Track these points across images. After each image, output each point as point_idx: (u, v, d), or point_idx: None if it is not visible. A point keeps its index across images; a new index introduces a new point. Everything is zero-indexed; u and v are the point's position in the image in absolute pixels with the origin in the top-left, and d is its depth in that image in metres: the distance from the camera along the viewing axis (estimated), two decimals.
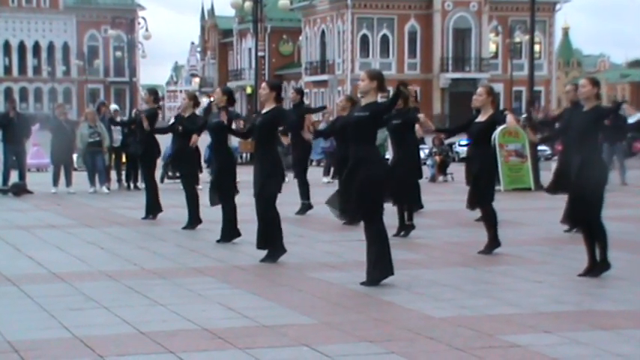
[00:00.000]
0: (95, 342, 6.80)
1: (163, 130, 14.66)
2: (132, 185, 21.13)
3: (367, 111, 8.94)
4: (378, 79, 9.01)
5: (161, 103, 17.43)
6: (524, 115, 28.34)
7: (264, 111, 10.73)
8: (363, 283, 9.03)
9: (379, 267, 9.03)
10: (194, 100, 13.94)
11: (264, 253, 10.63)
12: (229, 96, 12.21)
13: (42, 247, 11.94)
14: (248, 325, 7.41)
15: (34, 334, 7.13)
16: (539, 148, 21.34)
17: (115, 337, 7.03)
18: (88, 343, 6.78)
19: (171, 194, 16.50)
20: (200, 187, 19.43)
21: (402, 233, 12.71)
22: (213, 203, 12.23)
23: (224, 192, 12.00)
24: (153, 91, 15.72)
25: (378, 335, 7.06)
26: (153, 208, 14.77)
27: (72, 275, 9.68)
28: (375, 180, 8.91)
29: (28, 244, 12.16)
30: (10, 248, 11.81)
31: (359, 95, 9.30)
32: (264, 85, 10.84)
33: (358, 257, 9.22)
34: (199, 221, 13.51)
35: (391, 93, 9.04)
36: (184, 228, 13.43)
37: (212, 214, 12.78)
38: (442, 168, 24.07)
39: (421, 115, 12.22)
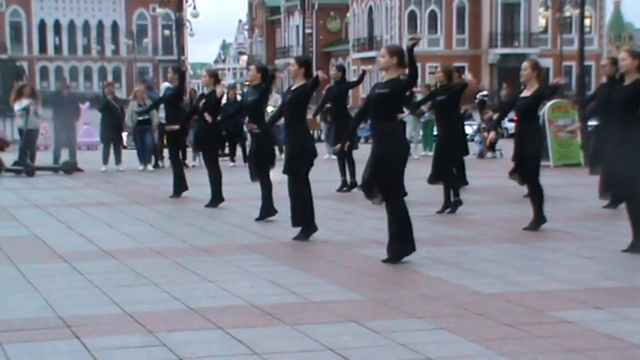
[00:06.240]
0: (145, 318, 6.87)
1: (189, 115, 14.97)
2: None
3: (387, 88, 8.86)
4: (398, 55, 8.89)
5: (191, 82, 17.35)
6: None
7: (293, 87, 10.69)
8: (384, 261, 9.01)
9: (398, 244, 9.00)
10: (215, 78, 14.02)
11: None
12: (264, 73, 12.20)
13: (92, 224, 12.07)
14: (296, 302, 7.44)
15: (85, 310, 7.22)
16: (590, 123, 21.10)
17: (165, 313, 7.09)
18: (138, 319, 6.85)
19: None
20: (232, 164, 19.61)
21: (449, 210, 12.67)
22: (253, 179, 12.24)
23: (260, 169, 12.00)
24: (178, 70, 15.61)
25: (427, 311, 7.05)
26: (178, 186, 14.90)
27: (122, 252, 9.77)
28: (393, 155, 8.84)
29: (79, 221, 12.29)
30: (61, 226, 11.94)
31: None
32: (292, 61, 10.79)
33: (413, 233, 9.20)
34: (222, 199, 13.60)
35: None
36: (207, 206, 13.51)
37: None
38: (490, 144, 23.89)
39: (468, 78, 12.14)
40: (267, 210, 12.06)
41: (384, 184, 8.89)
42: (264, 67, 12.66)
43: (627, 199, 9.61)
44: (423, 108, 18.32)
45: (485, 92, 30.91)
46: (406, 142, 9.28)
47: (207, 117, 13.48)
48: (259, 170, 11.98)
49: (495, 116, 23.54)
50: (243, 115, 14.78)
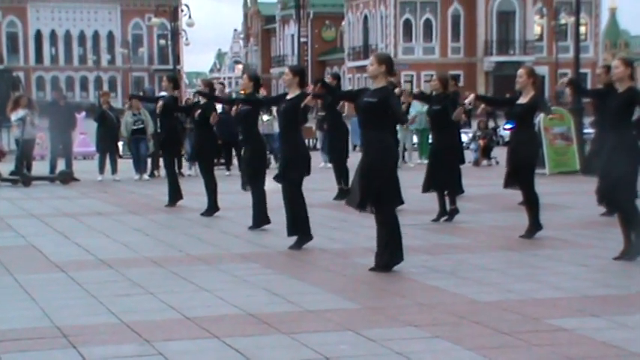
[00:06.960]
0: (142, 327, 6.86)
1: (181, 109, 15.72)
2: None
3: (376, 97, 8.87)
4: (386, 62, 8.95)
5: (189, 90, 17.79)
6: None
7: (288, 97, 10.69)
8: (372, 269, 8.99)
9: (387, 253, 8.98)
10: (210, 87, 14.08)
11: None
12: (256, 82, 12.23)
13: (89, 234, 12.06)
14: (293, 310, 7.44)
15: (82, 319, 7.21)
16: (585, 130, 21.14)
17: (161, 322, 7.08)
18: (135, 328, 6.85)
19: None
20: (228, 173, 19.72)
21: (446, 218, 12.67)
22: (245, 188, 12.25)
23: (253, 178, 11.99)
24: (172, 78, 15.54)
25: (423, 320, 7.05)
26: (173, 196, 14.92)
27: (118, 262, 9.76)
28: (380, 164, 8.83)
29: (75, 231, 12.28)
30: (58, 235, 11.93)
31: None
32: (287, 70, 10.81)
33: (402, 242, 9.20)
34: (217, 209, 13.62)
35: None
36: (202, 215, 13.53)
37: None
38: (486, 152, 23.93)
39: (469, 100, 11.53)
40: (261, 218, 12.05)
41: (374, 192, 8.87)
42: (256, 76, 12.68)
43: (619, 206, 9.63)
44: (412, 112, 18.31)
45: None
46: (394, 151, 9.32)
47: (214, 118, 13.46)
48: (251, 178, 11.98)
49: (489, 122, 23.50)
50: (237, 123, 14.80)
